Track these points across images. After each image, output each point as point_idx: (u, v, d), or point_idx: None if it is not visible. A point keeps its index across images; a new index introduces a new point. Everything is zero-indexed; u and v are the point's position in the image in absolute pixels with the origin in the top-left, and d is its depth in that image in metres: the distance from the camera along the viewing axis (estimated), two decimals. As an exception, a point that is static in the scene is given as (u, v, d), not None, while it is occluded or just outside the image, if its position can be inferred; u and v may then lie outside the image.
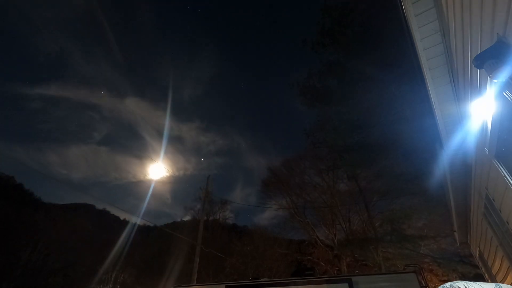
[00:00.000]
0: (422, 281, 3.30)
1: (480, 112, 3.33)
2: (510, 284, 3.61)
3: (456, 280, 2.47)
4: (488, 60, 2.22)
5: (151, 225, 29.70)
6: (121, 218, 31.54)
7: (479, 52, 2.55)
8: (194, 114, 41.42)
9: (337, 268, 18.22)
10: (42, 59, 38.17)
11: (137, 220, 25.67)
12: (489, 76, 2.29)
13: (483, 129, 3.44)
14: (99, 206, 32.03)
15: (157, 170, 13.92)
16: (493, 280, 6.43)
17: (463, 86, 3.64)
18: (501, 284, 2.25)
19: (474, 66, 2.39)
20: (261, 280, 4.42)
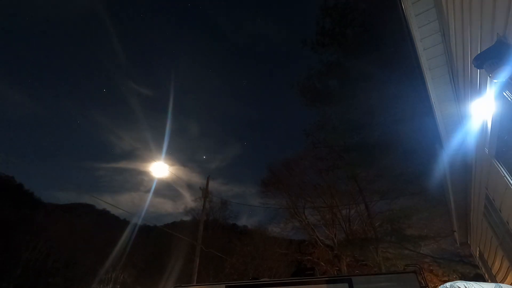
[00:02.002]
0: (422, 281, 3.31)
1: (480, 112, 3.33)
2: (510, 284, 3.61)
3: (456, 280, 2.47)
4: (488, 60, 2.21)
5: (151, 225, 29.87)
6: (121, 218, 31.73)
7: (479, 52, 2.55)
8: (219, 175, 61.27)
9: (337, 268, 18.21)
10: (118, 151, 54.43)
11: (137, 220, 25.70)
12: (489, 76, 2.28)
13: (483, 129, 3.44)
14: (99, 206, 32.74)
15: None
16: (493, 280, 6.43)
17: (463, 86, 3.64)
18: (501, 284, 2.25)
19: (474, 66, 2.39)
20: (261, 280, 4.43)
